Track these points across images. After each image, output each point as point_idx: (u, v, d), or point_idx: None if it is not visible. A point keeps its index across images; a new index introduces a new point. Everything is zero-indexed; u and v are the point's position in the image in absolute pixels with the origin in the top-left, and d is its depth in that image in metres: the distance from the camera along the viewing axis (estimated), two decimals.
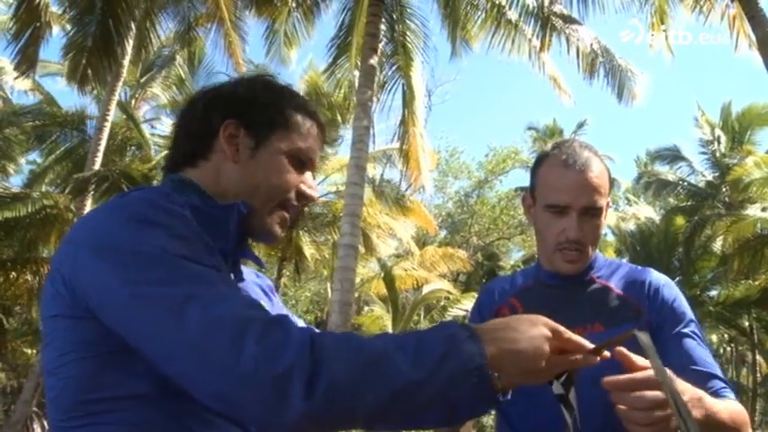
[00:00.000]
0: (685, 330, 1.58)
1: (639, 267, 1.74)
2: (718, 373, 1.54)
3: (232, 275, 1.25)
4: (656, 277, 1.68)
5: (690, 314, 1.63)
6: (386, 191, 17.58)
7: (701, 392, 1.31)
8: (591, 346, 1.19)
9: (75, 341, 1.03)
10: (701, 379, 1.46)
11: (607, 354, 1.18)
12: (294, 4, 11.70)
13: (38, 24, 10.61)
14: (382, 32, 11.16)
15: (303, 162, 1.30)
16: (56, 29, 12.86)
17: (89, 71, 10.93)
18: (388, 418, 0.97)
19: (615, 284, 1.68)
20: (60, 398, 1.05)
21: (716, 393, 1.47)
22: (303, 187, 1.30)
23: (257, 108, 1.27)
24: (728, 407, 1.40)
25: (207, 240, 1.08)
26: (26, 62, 10.99)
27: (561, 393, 1.26)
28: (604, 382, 1.13)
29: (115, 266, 0.98)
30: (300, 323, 1.42)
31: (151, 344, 0.95)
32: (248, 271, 1.40)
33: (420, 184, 12.56)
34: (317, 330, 0.98)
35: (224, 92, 1.31)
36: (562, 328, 1.10)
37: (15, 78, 13.32)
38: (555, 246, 1.65)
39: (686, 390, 1.24)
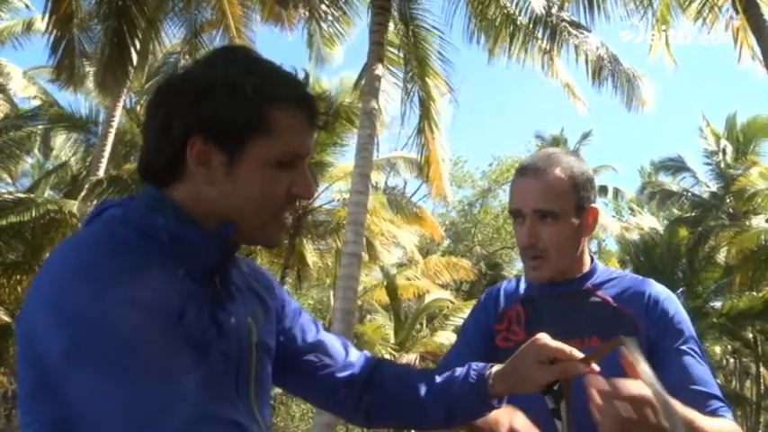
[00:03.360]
0: (684, 347, 1.56)
1: (640, 278, 1.71)
2: (717, 392, 1.52)
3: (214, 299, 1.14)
4: (656, 290, 1.65)
5: (690, 329, 1.60)
6: (396, 198, 17.59)
7: (692, 415, 1.34)
8: (580, 355, 1.22)
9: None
10: (700, 398, 1.47)
11: (596, 367, 1.21)
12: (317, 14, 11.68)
13: (71, 36, 10.69)
14: (401, 40, 11.27)
15: (291, 161, 1.12)
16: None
17: (107, 78, 11.03)
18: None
19: (613, 297, 1.65)
20: None
21: (713, 412, 1.47)
22: (294, 189, 1.13)
23: (225, 115, 1.07)
24: (721, 426, 1.43)
25: (173, 292, 1.01)
26: (65, 73, 11.09)
27: (554, 408, 1.28)
28: (591, 382, 1.18)
29: (69, 341, 0.91)
30: (307, 318, 1.41)
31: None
32: (247, 269, 1.29)
33: (441, 193, 12.54)
34: None
35: (185, 93, 1.09)
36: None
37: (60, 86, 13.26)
38: (522, 254, 1.66)
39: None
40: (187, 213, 1.10)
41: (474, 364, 1.36)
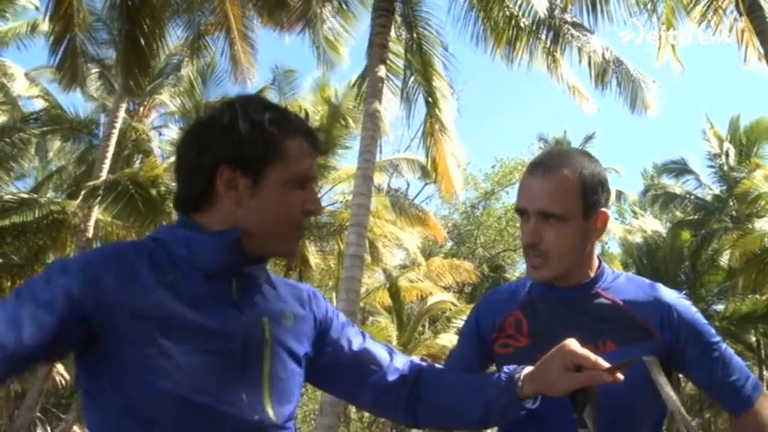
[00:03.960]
0: (710, 347, 1.59)
1: (648, 282, 1.68)
2: (745, 373, 1.59)
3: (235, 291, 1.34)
4: (668, 295, 1.62)
5: (707, 326, 1.61)
6: (398, 200, 17.59)
7: None
8: (606, 365, 1.22)
9: None
10: (734, 388, 1.57)
11: (620, 376, 1.22)
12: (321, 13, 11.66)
13: (72, 36, 10.62)
14: (404, 41, 11.29)
15: (302, 182, 1.35)
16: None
17: (128, 81, 10.96)
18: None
19: (624, 300, 1.61)
20: None
21: (746, 400, 1.57)
22: (307, 205, 1.35)
23: (249, 146, 1.30)
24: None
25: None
26: (69, 75, 11.00)
27: (577, 413, 1.28)
28: None
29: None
30: (354, 330, 1.55)
31: None
32: (282, 285, 1.46)
33: (452, 191, 12.51)
34: None
35: (212, 131, 1.33)
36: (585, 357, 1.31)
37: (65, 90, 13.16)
38: (524, 252, 1.63)
39: None
40: (208, 229, 1.32)
41: (506, 366, 1.45)
